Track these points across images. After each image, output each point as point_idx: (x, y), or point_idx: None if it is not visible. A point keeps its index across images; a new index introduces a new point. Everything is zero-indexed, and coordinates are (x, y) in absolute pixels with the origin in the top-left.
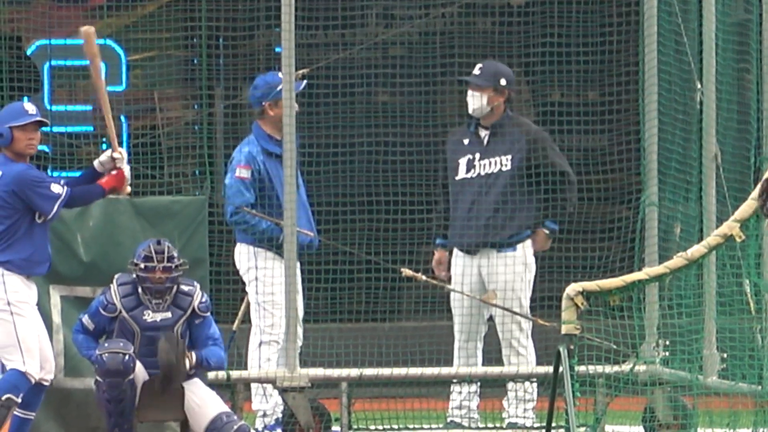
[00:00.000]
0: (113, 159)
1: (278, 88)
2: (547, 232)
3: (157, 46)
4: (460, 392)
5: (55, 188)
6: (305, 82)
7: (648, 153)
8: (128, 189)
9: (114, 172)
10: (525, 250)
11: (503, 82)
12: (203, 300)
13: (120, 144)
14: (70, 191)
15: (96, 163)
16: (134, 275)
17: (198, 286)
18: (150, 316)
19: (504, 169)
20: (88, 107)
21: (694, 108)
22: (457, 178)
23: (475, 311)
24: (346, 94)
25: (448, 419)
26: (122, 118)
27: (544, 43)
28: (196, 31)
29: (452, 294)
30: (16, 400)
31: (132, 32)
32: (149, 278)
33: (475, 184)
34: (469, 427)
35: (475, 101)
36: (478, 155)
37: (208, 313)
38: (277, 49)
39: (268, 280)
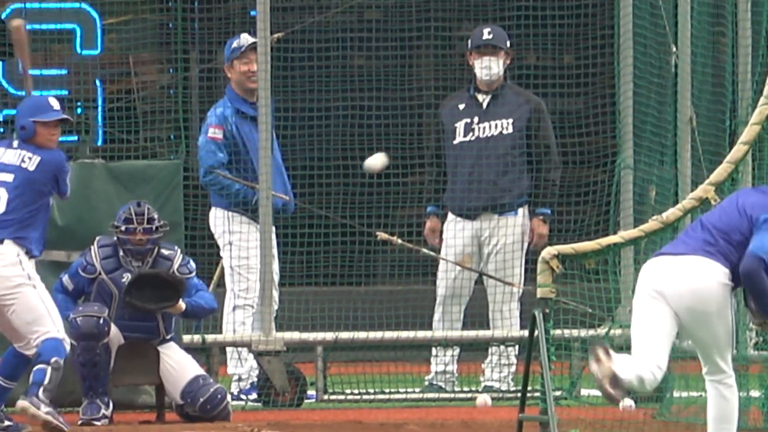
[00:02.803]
0: None
1: (232, 48)
2: (541, 218)
3: (132, 10)
4: (444, 356)
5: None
6: (251, 39)
7: (623, 116)
8: None
9: None
10: (525, 215)
11: (508, 44)
12: (183, 263)
13: (95, 108)
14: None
15: None
16: (115, 238)
17: (179, 250)
18: (128, 278)
19: (505, 132)
20: (64, 71)
21: (669, 71)
22: (455, 142)
23: (464, 276)
24: (321, 57)
25: (428, 383)
26: (97, 82)
27: (519, 6)
28: None
29: (441, 260)
30: (61, 363)
31: None
32: (130, 240)
33: (474, 148)
34: (446, 391)
35: (494, 65)
36: (476, 119)
37: (192, 275)
38: (252, 13)
39: (242, 245)
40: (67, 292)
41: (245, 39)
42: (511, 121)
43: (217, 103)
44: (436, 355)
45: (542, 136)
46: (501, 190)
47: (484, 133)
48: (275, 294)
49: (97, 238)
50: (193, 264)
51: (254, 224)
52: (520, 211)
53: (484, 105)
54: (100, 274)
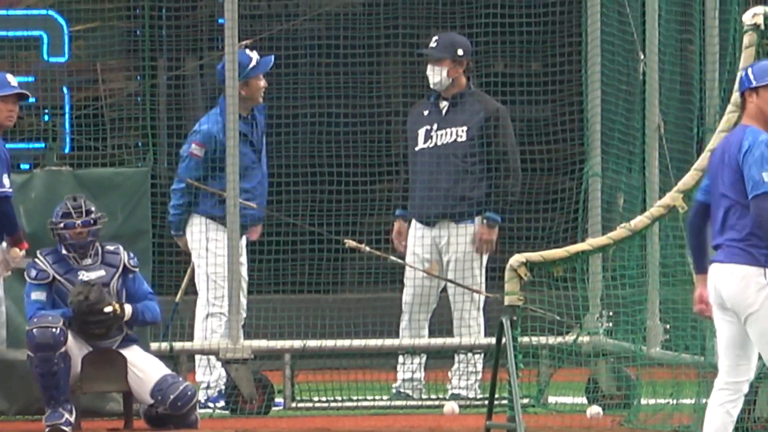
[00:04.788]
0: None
1: (250, 67)
2: (486, 223)
3: (99, 17)
4: (411, 364)
5: (6, 181)
6: (272, 57)
7: (591, 124)
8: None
9: None
10: (482, 223)
11: (460, 52)
12: (130, 256)
13: (62, 116)
14: (11, 193)
15: None
16: (55, 238)
17: (121, 246)
18: (85, 276)
19: (459, 140)
20: (31, 78)
21: (637, 79)
22: (416, 149)
23: (429, 283)
24: (289, 65)
25: (395, 390)
26: (65, 89)
27: (487, 13)
28: (138, 1)
29: (407, 266)
30: None
31: (74, 2)
32: (69, 234)
33: (433, 155)
34: (414, 398)
35: (435, 74)
36: (435, 126)
37: (137, 270)
38: (220, 21)
39: (219, 252)
40: (42, 305)
41: (256, 55)
42: (465, 128)
43: (210, 114)
44: (403, 363)
45: (499, 143)
46: (457, 198)
47: (441, 140)
48: (243, 302)
49: (38, 251)
50: (136, 258)
51: None
52: (477, 219)
53: (443, 112)
54: (54, 278)
